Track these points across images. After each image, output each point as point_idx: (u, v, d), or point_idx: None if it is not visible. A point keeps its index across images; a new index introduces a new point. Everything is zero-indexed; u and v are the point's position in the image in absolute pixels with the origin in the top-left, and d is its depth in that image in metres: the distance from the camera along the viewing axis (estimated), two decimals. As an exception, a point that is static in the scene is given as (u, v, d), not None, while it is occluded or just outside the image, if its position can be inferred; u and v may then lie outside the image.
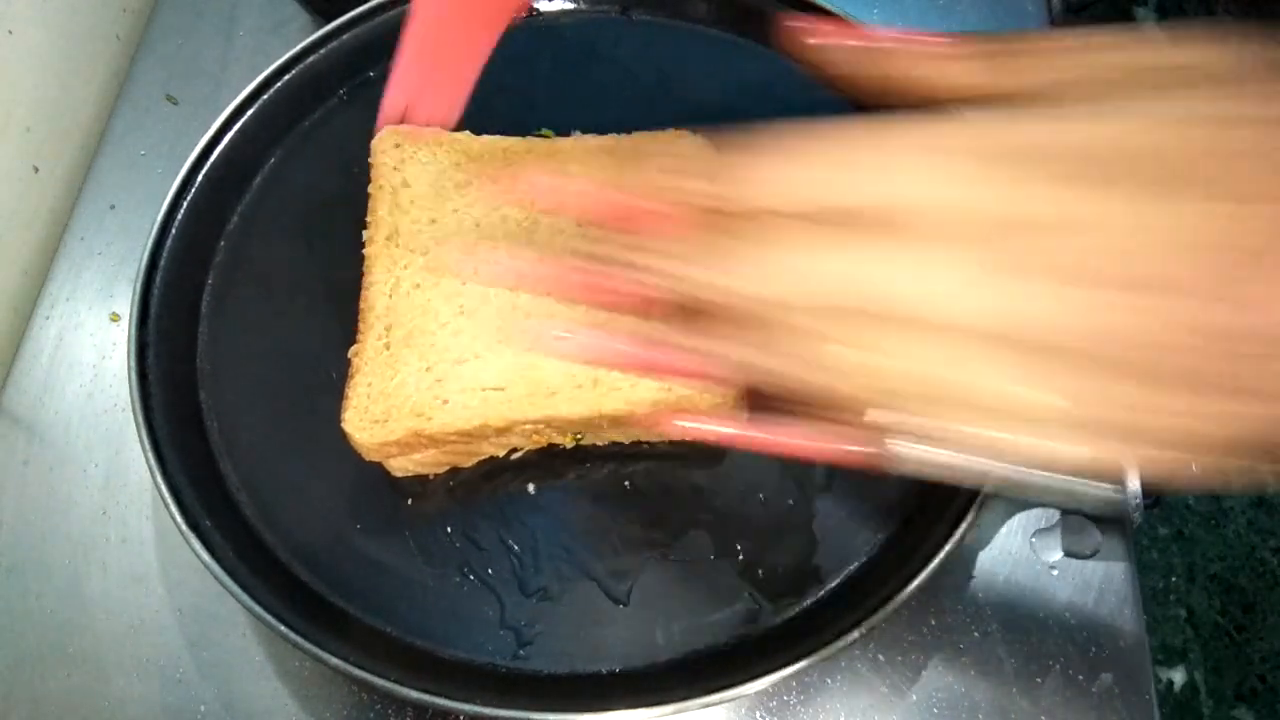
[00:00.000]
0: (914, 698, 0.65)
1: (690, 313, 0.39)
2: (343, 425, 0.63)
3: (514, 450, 0.67)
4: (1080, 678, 0.65)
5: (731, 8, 0.82)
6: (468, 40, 0.68)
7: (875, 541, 0.64)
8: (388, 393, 0.64)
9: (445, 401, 0.64)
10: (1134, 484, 0.71)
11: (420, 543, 0.65)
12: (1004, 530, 0.69)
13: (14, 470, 0.74)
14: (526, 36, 0.84)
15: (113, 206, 0.86)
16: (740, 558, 0.64)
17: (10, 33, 0.83)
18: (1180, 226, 0.32)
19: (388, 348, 0.66)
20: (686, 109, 0.78)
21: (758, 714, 0.65)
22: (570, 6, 0.85)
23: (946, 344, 0.33)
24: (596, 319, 0.66)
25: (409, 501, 0.67)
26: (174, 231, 0.72)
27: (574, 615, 0.63)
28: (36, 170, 0.87)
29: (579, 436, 0.67)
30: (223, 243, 0.76)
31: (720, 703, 0.58)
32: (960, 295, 0.33)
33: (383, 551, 0.65)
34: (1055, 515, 0.69)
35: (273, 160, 0.79)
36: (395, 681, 0.57)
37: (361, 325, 0.67)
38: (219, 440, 0.69)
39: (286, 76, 0.78)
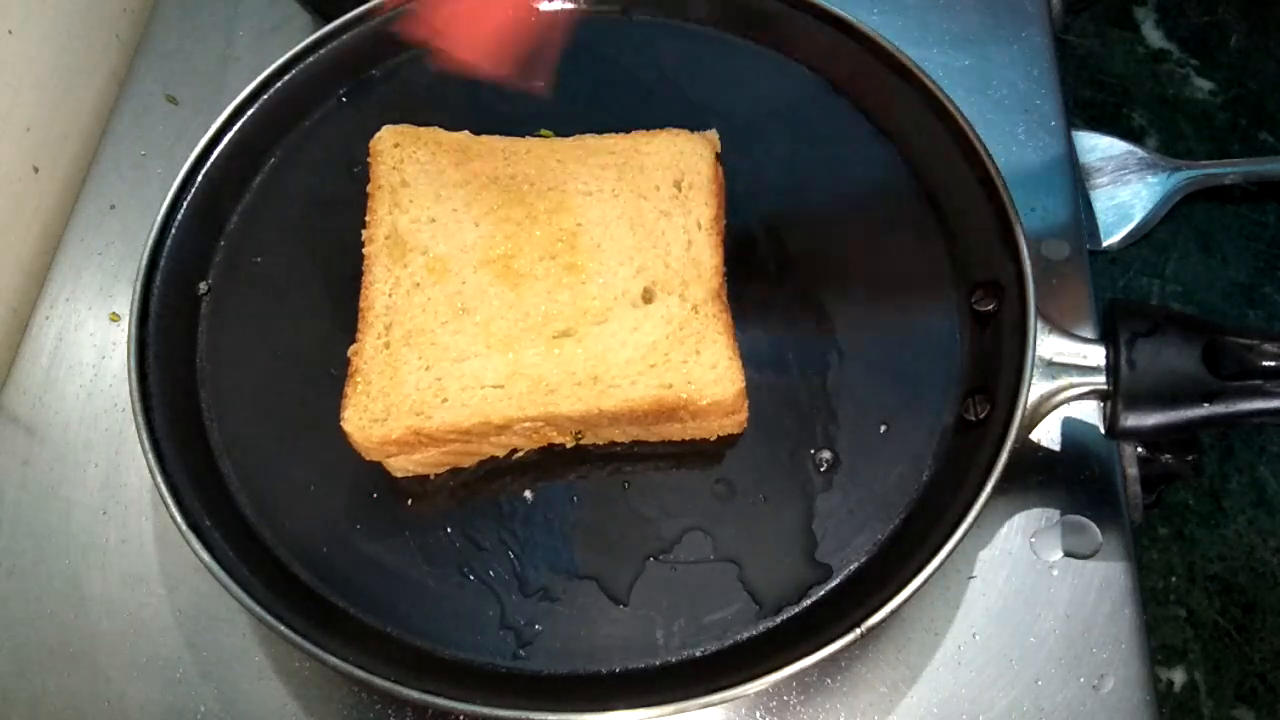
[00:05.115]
0: (914, 698, 0.65)
1: None
2: (342, 425, 0.63)
3: (514, 451, 0.67)
4: (1080, 678, 0.65)
5: (731, 8, 0.82)
6: None
7: (875, 541, 0.64)
8: (387, 391, 0.64)
9: (445, 400, 0.64)
10: (1134, 482, 0.72)
11: (420, 543, 0.65)
12: (1004, 530, 0.69)
13: (14, 470, 0.74)
14: (526, 36, 0.84)
15: (113, 206, 0.86)
16: (740, 558, 0.64)
17: (10, 33, 0.83)
18: None
19: (387, 347, 0.66)
20: (686, 109, 0.78)
21: (758, 714, 0.65)
22: (570, 6, 0.85)
23: None
24: (591, 314, 0.67)
25: (409, 502, 0.67)
26: (174, 231, 0.72)
27: (574, 615, 0.63)
28: (36, 170, 0.87)
29: (579, 436, 0.67)
30: (223, 243, 0.76)
31: (720, 703, 0.58)
32: None
33: (383, 551, 0.65)
34: (1055, 515, 0.69)
35: (273, 160, 0.79)
36: (395, 681, 0.57)
37: (361, 324, 0.67)
38: (219, 440, 0.69)
39: (286, 76, 0.78)
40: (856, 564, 0.64)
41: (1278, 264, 1.35)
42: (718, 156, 0.73)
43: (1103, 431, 0.66)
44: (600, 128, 0.75)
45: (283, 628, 0.58)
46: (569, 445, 0.67)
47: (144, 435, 0.65)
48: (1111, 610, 0.66)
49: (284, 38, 0.93)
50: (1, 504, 0.73)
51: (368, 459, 0.65)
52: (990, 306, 0.69)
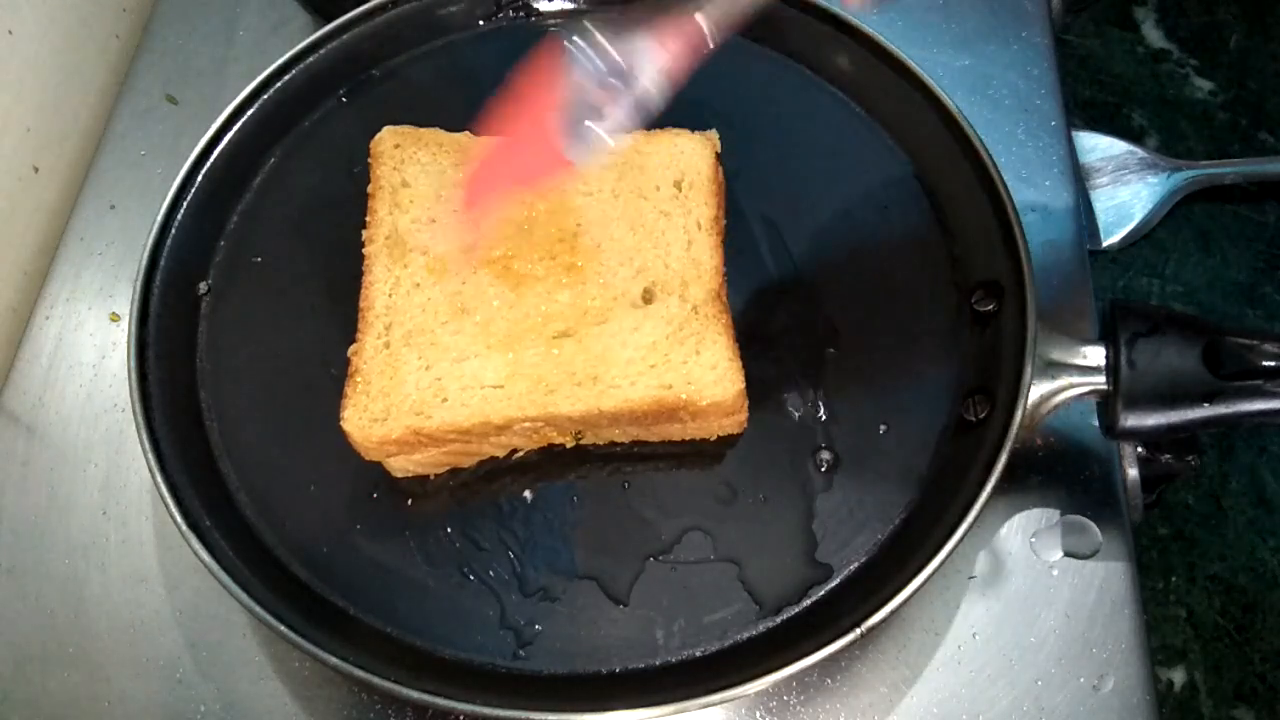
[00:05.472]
0: (914, 698, 0.65)
1: None
2: (342, 424, 0.63)
3: (514, 451, 0.67)
4: (1080, 678, 0.65)
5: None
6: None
7: (875, 541, 0.64)
8: (387, 391, 0.64)
9: (445, 399, 0.64)
10: (1134, 482, 0.72)
11: (420, 543, 0.65)
12: (1004, 530, 0.69)
13: (14, 470, 0.74)
14: (526, 36, 0.84)
15: (113, 206, 0.86)
16: (740, 558, 0.64)
17: (10, 33, 0.83)
18: None
19: (387, 346, 0.66)
20: (686, 109, 0.77)
21: (758, 714, 0.65)
22: (570, 6, 0.85)
23: None
24: (591, 314, 0.66)
25: (409, 502, 0.67)
26: (174, 231, 0.72)
27: (574, 615, 0.63)
28: (36, 170, 0.87)
29: (579, 436, 0.67)
30: (223, 243, 0.76)
31: (720, 703, 0.58)
32: None
33: (383, 551, 0.65)
34: (1055, 515, 0.69)
35: (273, 160, 0.79)
36: (395, 681, 0.57)
37: (361, 324, 0.67)
38: (219, 440, 0.69)
39: (286, 76, 0.78)
40: (856, 564, 0.64)
41: (1278, 264, 1.35)
42: (718, 156, 0.73)
43: (1103, 431, 0.66)
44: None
45: (283, 628, 0.58)
46: (569, 445, 0.67)
47: (144, 435, 0.65)
48: (1111, 610, 0.66)
49: (284, 38, 0.93)
50: (1, 504, 0.73)
51: (368, 459, 0.65)
52: (990, 306, 0.69)
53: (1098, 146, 1.07)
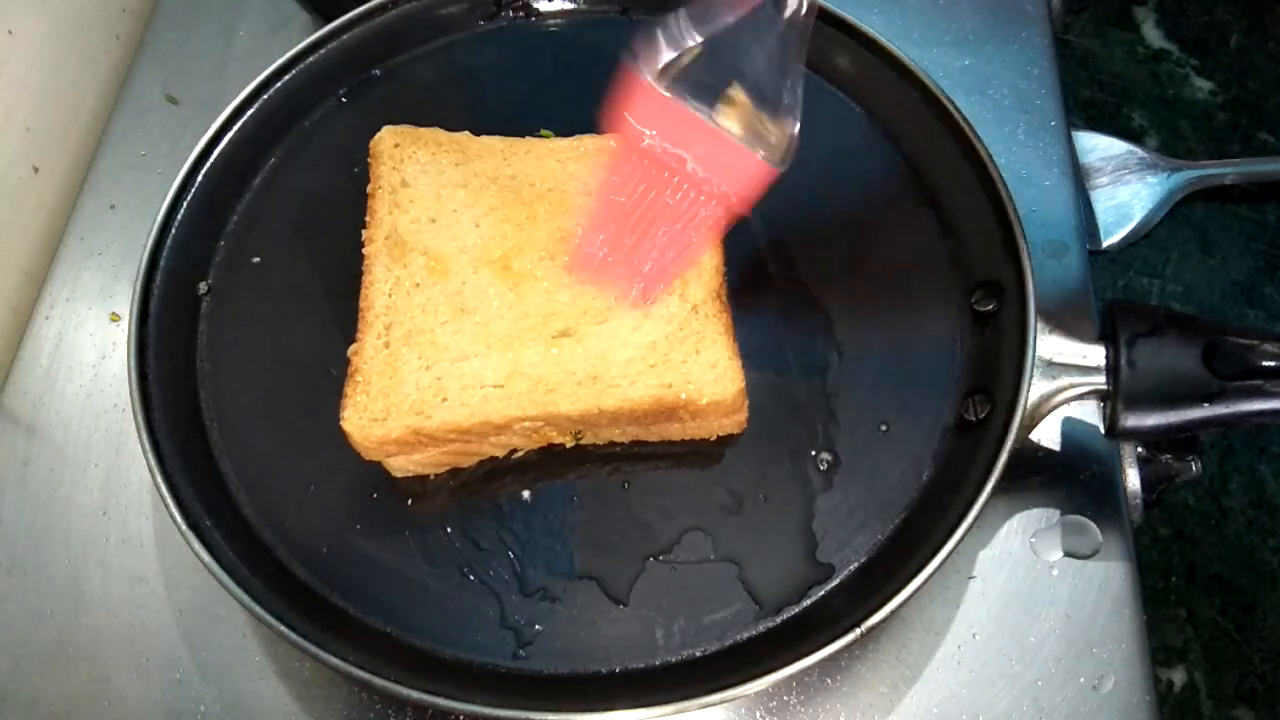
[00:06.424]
0: (914, 698, 0.65)
1: None
2: (342, 424, 0.63)
3: (514, 451, 0.67)
4: (1081, 678, 0.65)
5: (731, 8, 0.82)
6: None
7: (875, 541, 0.64)
8: (387, 391, 0.64)
9: (445, 399, 0.64)
10: (1133, 481, 0.72)
11: (420, 543, 0.65)
12: (1004, 530, 0.69)
13: (14, 470, 0.74)
14: (526, 36, 0.84)
15: (113, 206, 0.86)
16: (740, 558, 0.64)
17: (10, 33, 0.83)
18: None
19: (387, 346, 0.66)
20: (686, 109, 0.77)
21: (758, 714, 0.65)
22: (570, 6, 0.85)
23: None
24: (591, 314, 0.66)
25: (409, 502, 0.67)
26: (174, 231, 0.73)
27: (574, 615, 0.63)
28: (36, 170, 0.87)
29: (578, 435, 0.67)
30: (222, 243, 0.76)
31: (720, 703, 0.58)
32: None
33: (383, 551, 0.65)
34: (1055, 515, 0.69)
35: (273, 160, 0.79)
36: (395, 681, 0.57)
37: (361, 324, 0.67)
38: (219, 440, 0.69)
39: (286, 76, 0.78)
40: (856, 564, 0.64)
41: (1278, 264, 1.35)
42: (718, 156, 0.73)
43: (1103, 431, 0.66)
44: (600, 128, 0.74)
45: (283, 628, 0.58)
46: (569, 445, 0.67)
47: (144, 435, 0.65)
48: (1111, 610, 0.66)
49: (284, 38, 0.93)
50: (1, 504, 0.73)
51: (367, 459, 0.65)
52: (990, 306, 0.69)
53: (1098, 146, 1.07)
